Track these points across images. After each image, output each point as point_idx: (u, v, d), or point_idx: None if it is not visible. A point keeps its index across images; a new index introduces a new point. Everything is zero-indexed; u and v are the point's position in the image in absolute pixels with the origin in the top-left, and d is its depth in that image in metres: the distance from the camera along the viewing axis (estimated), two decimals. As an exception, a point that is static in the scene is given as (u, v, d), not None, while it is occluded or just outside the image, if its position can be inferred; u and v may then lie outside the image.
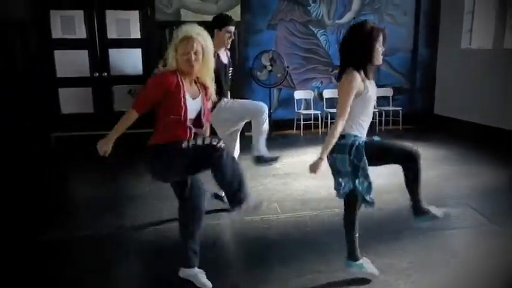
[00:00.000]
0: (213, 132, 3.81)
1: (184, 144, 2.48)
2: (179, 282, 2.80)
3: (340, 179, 2.64)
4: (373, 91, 2.65)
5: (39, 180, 5.41)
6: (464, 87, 7.65)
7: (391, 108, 8.08)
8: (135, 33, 7.18)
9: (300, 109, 7.94)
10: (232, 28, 3.73)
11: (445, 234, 3.59)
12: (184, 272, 2.80)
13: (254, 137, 3.82)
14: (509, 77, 6.74)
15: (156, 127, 2.61)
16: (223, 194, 3.91)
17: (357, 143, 2.58)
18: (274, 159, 3.90)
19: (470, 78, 7.53)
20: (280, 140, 7.30)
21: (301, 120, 7.75)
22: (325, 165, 2.56)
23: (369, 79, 2.62)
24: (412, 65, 8.45)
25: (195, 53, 2.54)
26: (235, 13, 7.08)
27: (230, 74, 3.91)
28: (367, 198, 2.63)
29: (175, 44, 2.55)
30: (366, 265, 2.84)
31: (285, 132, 7.80)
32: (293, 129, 7.87)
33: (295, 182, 4.94)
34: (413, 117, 8.29)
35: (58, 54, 6.92)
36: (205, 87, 2.71)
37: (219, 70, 3.46)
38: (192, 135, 2.61)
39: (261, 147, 3.82)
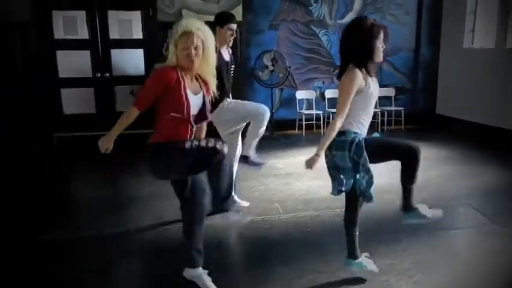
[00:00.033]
0: (213, 132, 3.82)
1: (188, 145, 2.47)
2: (180, 283, 2.80)
3: (342, 176, 2.61)
4: (374, 88, 2.62)
5: (41, 180, 5.42)
6: (467, 87, 7.64)
7: (393, 108, 8.07)
8: (137, 34, 7.19)
9: (301, 109, 7.93)
10: (234, 26, 3.71)
11: (446, 235, 3.58)
12: (188, 273, 2.77)
13: (248, 137, 3.80)
14: (512, 77, 6.74)
15: (156, 125, 2.59)
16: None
17: (356, 139, 2.56)
18: (259, 165, 3.88)
19: (472, 78, 7.51)
20: (282, 140, 7.30)
21: (303, 120, 7.74)
22: (321, 163, 2.54)
23: (370, 76, 2.59)
24: (414, 64, 8.43)
25: (195, 48, 2.50)
26: (237, 13, 7.08)
27: (232, 72, 3.91)
28: (366, 193, 2.62)
29: (175, 39, 2.52)
30: (366, 263, 2.84)
31: (287, 132, 7.80)
32: (295, 129, 7.87)
33: (297, 182, 4.94)
34: (416, 117, 8.28)
35: (60, 54, 6.93)
36: (205, 83, 2.68)
37: (221, 67, 3.45)
38: (193, 132, 2.60)
39: (251, 150, 3.81)
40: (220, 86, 3.46)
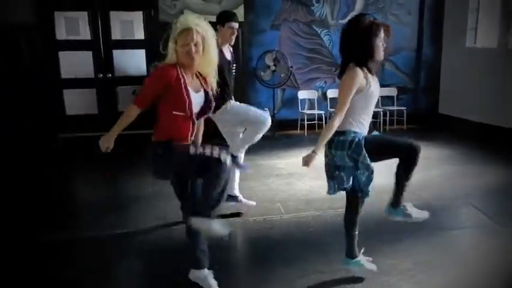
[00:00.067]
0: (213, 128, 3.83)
1: (192, 151, 2.42)
2: (181, 283, 2.81)
3: (342, 174, 2.60)
4: (375, 87, 2.61)
5: (42, 180, 5.43)
6: (469, 87, 7.62)
7: (395, 107, 8.06)
8: (139, 34, 7.21)
9: (303, 109, 7.93)
10: (235, 24, 3.70)
11: (448, 234, 3.58)
12: (194, 274, 2.74)
13: (243, 139, 3.79)
14: (514, 76, 6.72)
15: (158, 124, 2.55)
16: (235, 193, 3.94)
17: (356, 139, 2.55)
18: (243, 169, 3.88)
19: (474, 77, 7.49)
20: (284, 140, 7.30)
21: (305, 120, 7.74)
22: (318, 160, 2.54)
23: (372, 74, 2.58)
24: (416, 64, 8.42)
25: (195, 45, 2.46)
26: (239, 13, 7.08)
27: (233, 71, 3.90)
28: (364, 189, 2.61)
29: (174, 37, 2.48)
30: (364, 262, 2.85)
31: (289, 132, 7.80)
32: (297, 129, 7.86)
33: (299, 182, 4.94)
34: (418, 116, 8.26)
35: (62, 55, 6.95)
36: (206, 81, 2.64)
37: (223, 66, 3.44)
38: (195, 130, 2.59)
39: (240, 151, 3.80)
40: (222, 84, 3.46)
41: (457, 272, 2.98)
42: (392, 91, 8.14)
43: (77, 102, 7.13)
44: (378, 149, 2.58)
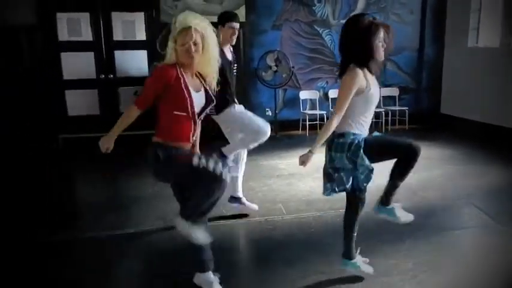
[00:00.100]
0: (216, 129, 3.82)
1: (196, 162, 2.38)
2: (182, 284, 2.81)
3: (342, 174, 2.60)
4: (375, 90, 2.60)
5: (43, 181, 5.45)
6: (471, 86, 7.60)
7: (397, 108, 8.04)
8: (141, 35, 7.21)
9: (305, 109, 7.92)
10: (235, 24, 3.68)
11: (449, 234, 3.57)
12: (199, 278, 2.69)
13: (238, 142, 3.74)
14: (517, 76, 6.70)
15: (159, 125, 2.52)
16: (238, 195, 3.93)
17: (356, 141, 2.55)
18: (231, 171, 3.85)
19: (477, 77, 7.47)
20: (286, 140, 7.29)
21: (307, 120, 7.72)
22: (319, 161, 2.55)
23: (372, 75, 2.56)
24: (418, 64, 8.41)
25: (195, 44, 2.43)
26: (240, 14, 7.09)
27: (234, 71, 3.90)
28: (361, 186, 2.61)
29: (174, 36, 2.45)
30: (360, 264, 2.84)
31: (291, 133, 7.79)
32: (298, 129, 7.86)
33: (300, 183, 4.93)
34: (420, 116, 8.25)
35: (64, 56, 6.97)
36: (206, 80, 2.61)
37: (224, 66, 3.44)
38: (196, 130, 2.57)
39: (231, 153, 3.77)
40: (224, 85, 3.45)
41: (459, 272, 2.97)
42: (394, 91, 8.13)
43: (79, 103, 7.14)
44: (379, 150, 2.57)
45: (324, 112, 7.72)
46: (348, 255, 2.83)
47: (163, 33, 2.53)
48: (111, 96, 7.19)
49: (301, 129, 7.83)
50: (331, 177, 2.64)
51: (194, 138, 2.62)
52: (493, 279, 2.90)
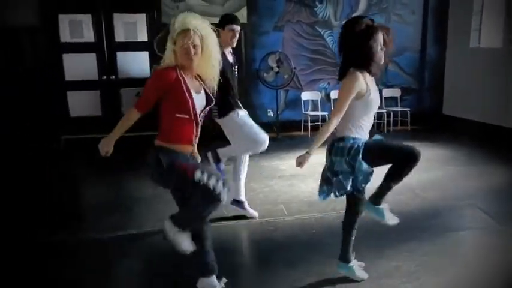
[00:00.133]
0: (217, 130, 3.81)
1: (197, 176, 2.35)
2: (182, 284, 2.80)
3: (341, 177, 2.58)
4: (375, 95, 2.58)
5: (46, 182, 5.45)
6: (473, 87, 7.58)
7: (399, 108, 8.03)
8: (142, 36, 7.24)
9: (307, 110, 7.92)
10: (235, 27, 3.67)
11: (452, 236, 3.55)
12: (202, 283, 2.65)
13: (233, 149, 3.72)
14: (519, 76, 6.68)
15: (161, 128, 2.50)
16: (241, 199, 3.93)
17: (355, 145, 2.54)
18: (220, 172, 3.80)
19: (479, 77, 7.45)
20: (287, 141, 7.27)
21: (309, 121, 7.71)
22: (319, 162, 2.54)
23: (372, 76, 2.55)
24: (420, 64, 8.39)
25: (194, 46, 2.40)
26: (242, 15, 7.10)
27: (236, 72, 3.89)
28: (359, 187, 2.60)
29: (173, 37, 2.42)
30: (356, 268, 2.84)
31: (292, 134, 7.78)
32: (300, 130, 7.85)
33: (302, 184, 4.92)
34: (422, 117, 8.23)
35: (66, 57, 6.99)
36: (205, 81, 2.58)
37: (226, 69, 3.44)
38: (198, 133, 2.55)
39: (225, 157, 3.77)
40: (226, 87, 3.44)
41: (462, 274, 2.96)
42: (396, 92, 8.12)
43: (81, 104, 7.18)
44: (379, 154, 2.57)
45: (326, 113, 7.70)
46: (344, 258, 2.82)
47: (161, 34, 2.51)
48: (113, 97, 7.21)
49: (303, 130, 7.82)
50: (329, 181, 2.62)
51: (197, 140, 2.59)
52: (495, 280, 2.88)
